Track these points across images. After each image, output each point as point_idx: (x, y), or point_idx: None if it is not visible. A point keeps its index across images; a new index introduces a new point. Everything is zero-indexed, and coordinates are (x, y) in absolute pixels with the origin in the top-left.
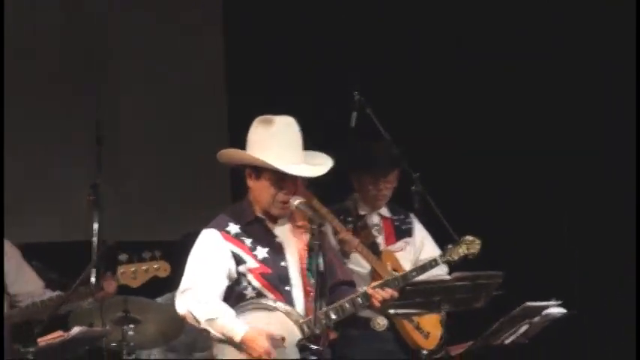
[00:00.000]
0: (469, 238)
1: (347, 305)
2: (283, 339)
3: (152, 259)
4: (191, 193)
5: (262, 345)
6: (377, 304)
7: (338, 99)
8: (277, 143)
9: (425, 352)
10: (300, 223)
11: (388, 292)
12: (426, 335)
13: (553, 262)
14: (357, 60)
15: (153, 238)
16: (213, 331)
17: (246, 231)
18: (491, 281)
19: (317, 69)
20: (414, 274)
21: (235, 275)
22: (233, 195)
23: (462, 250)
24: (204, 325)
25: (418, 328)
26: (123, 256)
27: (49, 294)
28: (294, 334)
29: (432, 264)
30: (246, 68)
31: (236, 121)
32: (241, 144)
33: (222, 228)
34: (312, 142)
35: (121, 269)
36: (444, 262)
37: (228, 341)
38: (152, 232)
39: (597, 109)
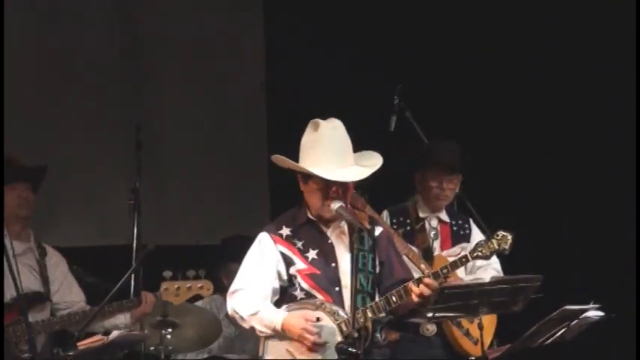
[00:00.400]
0: (501, 232)
1: (381, 303)
2: (318, 319)
3: (196, 278)
4: (230, 197)
5: (299, 324)
6: (416, 298)
7: (377, 101)
8: (322, 148)
9: (473, 358)
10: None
11: (431, 285)
12: (476, 342)
13: (553, 262)
14: (398, 64)
15: (192, 242)
16: (257, 325)
17: (297, 233)
18: (529, 284)
19: (356, 73)
20: (444, 271)
21: (286, 277)
22: (272, 199)
23: (492, 246)
24: (248, 320)
25: (467, 334)
26: (167, 273)
27: (89, 307)
28: (335, 334)
29: (462, 260)
30: (284, 72)
31: (274, 125)
32: (279, 148)
33: (274, 231)
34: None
35: (164, 285)
36: (474, 258)
37: (273, 332)
38: (191, 236)
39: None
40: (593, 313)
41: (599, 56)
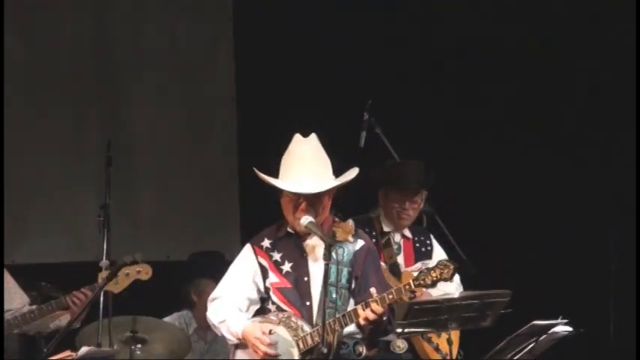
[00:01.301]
0: (443, 262)
1: (335, 325)
2: (271, 331)
3: (133, 263)
4: (200, 212)
5: (253, 333)
6: (362, 321)
7: (348, 116)
8: (290, 162)
9: None
10: (340, 238)
11: (377, 310)
12: (445, 356)
13: (522, 277)
14: (368, 79)
15: (160, 258)
16: (225, 333)
17: (277, 245)
18: (498, 299)
19: (327, 86)
20: (390, 297)
21: (263, 289)
22: (242, 216)
23: (435, 275)
24: (219, 327)
25: (438, 349)
26: (104, 262)
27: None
28: (292, 349)
29: (405, 287)
30: (256, 87)
31: (245, 142)
32: (250, 164)
33: (257, 242)
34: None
35: (102, 275)
36: (416, 286)
37: (238, 340)
38: (160, 252)
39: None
40: (562, 328)
41: (592, 59)
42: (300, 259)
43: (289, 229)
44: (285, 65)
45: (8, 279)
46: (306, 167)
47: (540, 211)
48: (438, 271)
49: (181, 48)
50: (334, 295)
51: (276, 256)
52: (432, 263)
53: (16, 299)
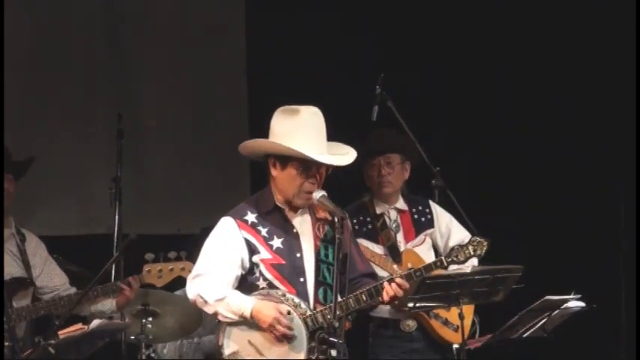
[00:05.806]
0: (477, 239)
1: (350, 302)
2: (289, 312)
3: (177, 260)
4: (212, 185)
5: (270, 313)
6: (386, 298)
7: (360, 92)
8: (304, 132)
9: (456, 346)
10: (320, 215)
11: (403, 286)
12: (456, 329)
13: (534, 252)
14: (381, 53)
15: (173, 231)
16: (223, 311)
17: (263, 220)
18: (509, 275)
19: (338, 60)
20: (417, 273)
21: (249, 265)
22: (253, 188)
23: (468, 252)
24: (213, 305)
25: (447, 323)
26: (149, 255)
27: (74, 290)
28: (299, 327)
29: (437, 264)
30: (267, 60)
31: (256, 114)
32: (262, 136)
33: (239, 216)
34: (336, 133)
35: (146, 268)
36: (449, 263)
37: (240, 318)
38: (172, 224)
39: (589, 104)
40: (574, 304)
41: (599, 50)
42: (290, 235)
43: (278, 204)
44: (297, 37)
45: (46, 255)
46: (317, 140)
47: (554, 186)
48: (471, 248)
49: (192, 20)
50: (325, 273)
51: (263, 231)
52: (437, 230)
53: (56, 276)
